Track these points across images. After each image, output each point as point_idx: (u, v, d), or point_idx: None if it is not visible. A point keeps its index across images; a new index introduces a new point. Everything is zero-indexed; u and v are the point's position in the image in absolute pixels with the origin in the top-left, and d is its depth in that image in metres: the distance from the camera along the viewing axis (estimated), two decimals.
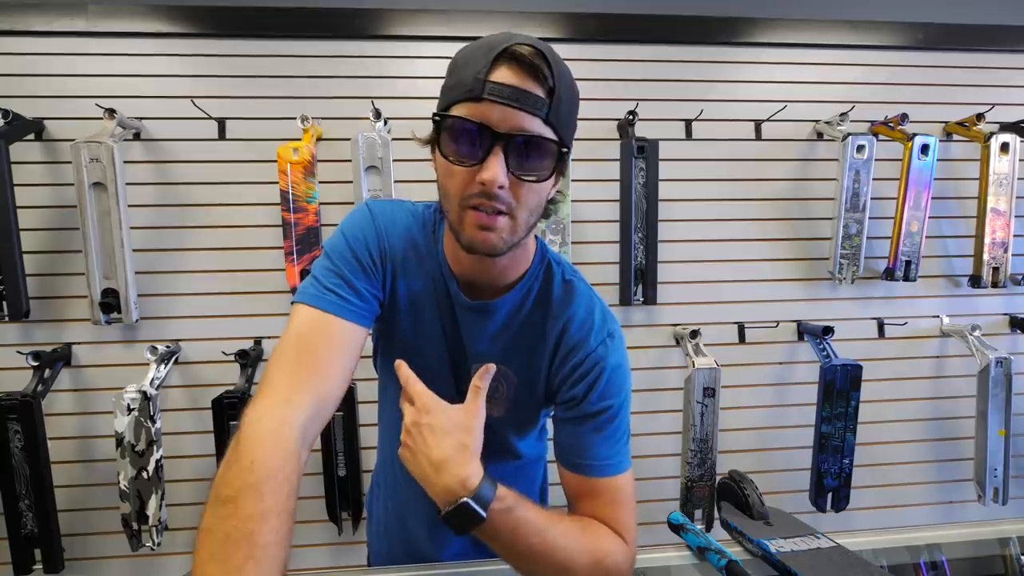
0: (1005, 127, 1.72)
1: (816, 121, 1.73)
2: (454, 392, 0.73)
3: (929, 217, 1.65)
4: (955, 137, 1.77)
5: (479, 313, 0.71)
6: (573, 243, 1.60)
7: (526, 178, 0.58)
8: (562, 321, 0.71)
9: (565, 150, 0.60)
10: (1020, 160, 1.65)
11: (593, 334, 0.70)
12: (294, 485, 0.52)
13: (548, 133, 0.58)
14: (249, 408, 0.56)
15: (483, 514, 0.56)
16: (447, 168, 0.59)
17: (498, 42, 0.57)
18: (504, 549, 0.61)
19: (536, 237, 0.73)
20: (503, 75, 0.56)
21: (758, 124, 1.72)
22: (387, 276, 0.70)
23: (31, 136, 1.49)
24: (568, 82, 0.60)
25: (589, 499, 0.68)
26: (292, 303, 0.65)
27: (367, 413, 1.61)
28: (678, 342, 1.69)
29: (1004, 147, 1.64)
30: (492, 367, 0.63)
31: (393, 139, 1.50)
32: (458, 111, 0.57)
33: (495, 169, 0.56)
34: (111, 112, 1.43)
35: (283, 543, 0.48)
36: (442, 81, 0.62)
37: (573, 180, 1.62)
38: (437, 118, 0.59)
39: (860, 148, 1.61)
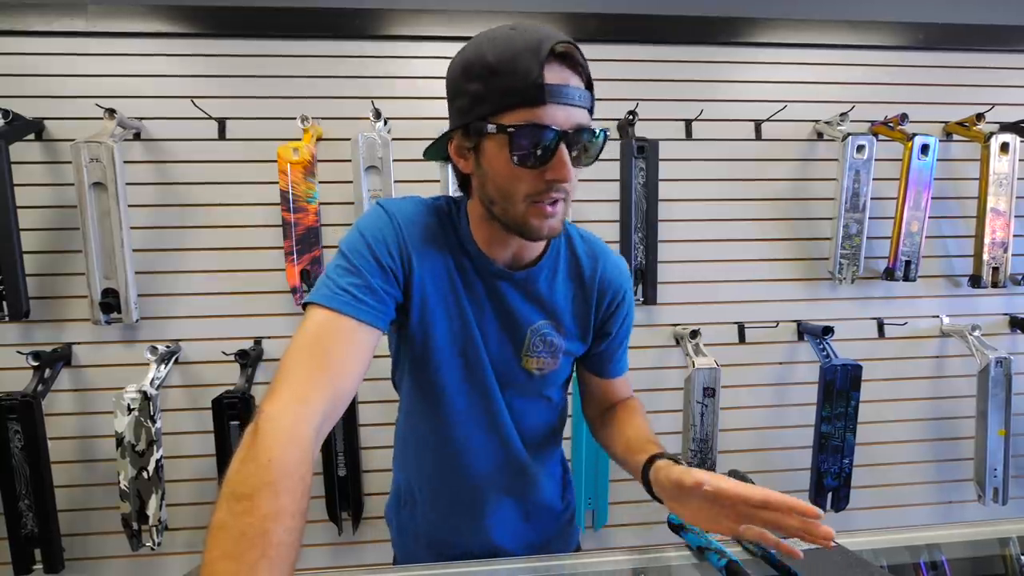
0: (1005, 127, 1.72)
1: (816, 121, 1.73)
2: (489, 380, 0.77)
3: (929, 217, 1.65)
4: (955, 137, 1.77)
5: (525, 282, 0.75)
6: None
7: (581, 165, 0.64)
8: (598, 271, 0.79)
9: (608, 134, 0.65)
10: (1020, 160, 1.65)
11: (619, 274, 0.81)
12: (308, 485, 0.52)
13: (594, 123, 0.63)
14: (265, 403, 0.56)
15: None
16: (512, 173, 0.62)
17: (536, 41, 0.59)
18: None
19: None
20: (556, 76, 0.59)
21: (758, 124, 1.72)
22: (409, 272, 0.70)
23: (31, 136, 1.50)
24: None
25: (616, 390, 0.87)
26: (304, 304, 0.65)
27: (367, 413, 1.61)
28: (678, 342, 1.69)
29: (1004, 147, 1.64)
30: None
31: (393, 139, 1.50)
32: (522, 117, 0.59)
33: (566, 166, 0.61)
34: (111, 112, 1.43)
35: (296, 543, 0.48)
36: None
37: None
38: (509, 128, 0.59)
39: (860, 148, 1.61)
